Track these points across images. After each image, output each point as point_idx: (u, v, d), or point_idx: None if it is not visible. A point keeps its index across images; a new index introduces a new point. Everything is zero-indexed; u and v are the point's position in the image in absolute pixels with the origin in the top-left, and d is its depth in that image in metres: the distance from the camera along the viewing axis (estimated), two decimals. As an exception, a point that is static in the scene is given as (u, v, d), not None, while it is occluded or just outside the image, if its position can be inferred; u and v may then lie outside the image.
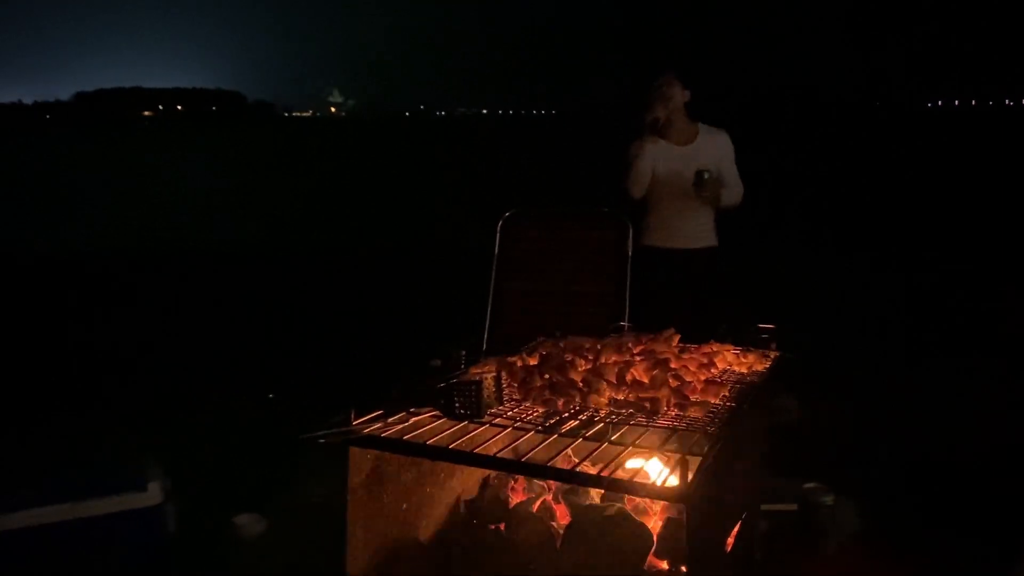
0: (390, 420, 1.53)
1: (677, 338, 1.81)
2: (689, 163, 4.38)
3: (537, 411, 1.44)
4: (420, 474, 1.64)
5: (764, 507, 2.38)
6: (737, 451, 1.37)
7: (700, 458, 1.23)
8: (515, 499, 1.75)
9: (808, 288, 7.77)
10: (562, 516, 1.71)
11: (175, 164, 32.12)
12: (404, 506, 1.61)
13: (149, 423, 4.18)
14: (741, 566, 1.77)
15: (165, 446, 3.23)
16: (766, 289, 7.46)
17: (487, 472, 1.65)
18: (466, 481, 1.79)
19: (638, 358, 1.71)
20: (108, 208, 16.71)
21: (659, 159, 4.44)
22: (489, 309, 4.76)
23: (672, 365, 1.60)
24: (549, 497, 1.66)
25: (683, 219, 4.49)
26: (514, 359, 1.73)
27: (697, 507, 1.13)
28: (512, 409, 1.51)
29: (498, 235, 4.92)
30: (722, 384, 1.57)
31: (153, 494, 2.94)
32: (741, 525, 1.68)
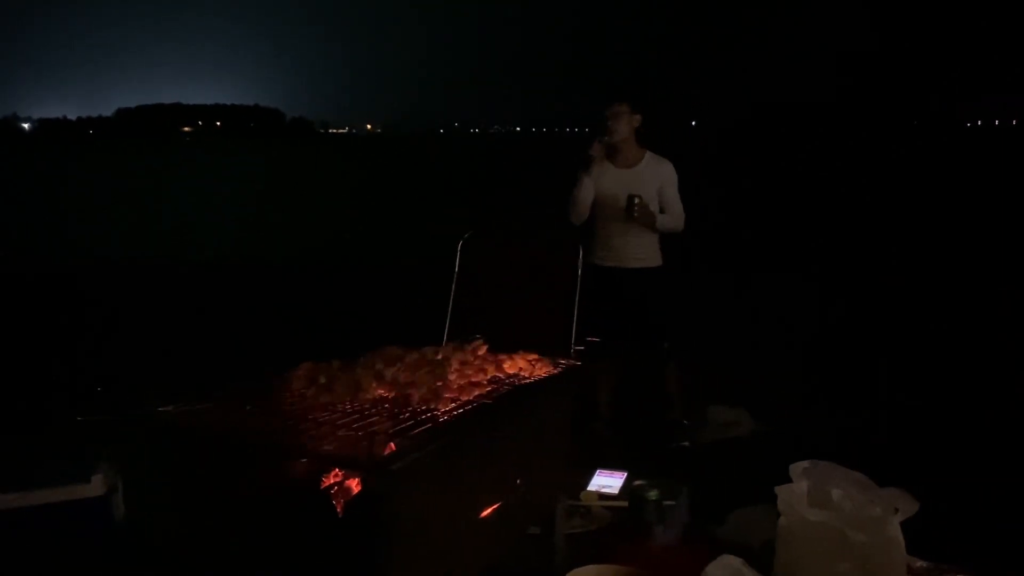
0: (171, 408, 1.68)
1: (484, 348, 2.08)
2: (629, 187, 4.63)
3: (308, 402, 1.68)
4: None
5: (602, 503, 2.68)
6: (469, 441, 1.58)
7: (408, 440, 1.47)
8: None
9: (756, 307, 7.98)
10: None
11: (210, 177, 32.88)
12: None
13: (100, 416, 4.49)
14: (544, 549, 2.06)
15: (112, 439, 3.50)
16: (716, 307, 7.73)
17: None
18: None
19: (454, 365, 1.98)
20: (142, 219, 17.32)
21: (602, 181, 4.70)
22: (447, 325, 5.08)
23: (454, 367, 1.86)
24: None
25: (624, 239, 4.72)
26: (336, 362, 1.98)
27: (388, 480, 1.36)
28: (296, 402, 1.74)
29: (458, 255, 5.24)
30: (481, 385, 1.83)
31: (96, 486, 3.13)
32: (531, 510, 1.94)
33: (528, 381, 1.89)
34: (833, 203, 17.44)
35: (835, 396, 5.21)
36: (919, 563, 1.67)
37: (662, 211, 4.67)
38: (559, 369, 2.00)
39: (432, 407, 1.64)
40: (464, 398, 1.71)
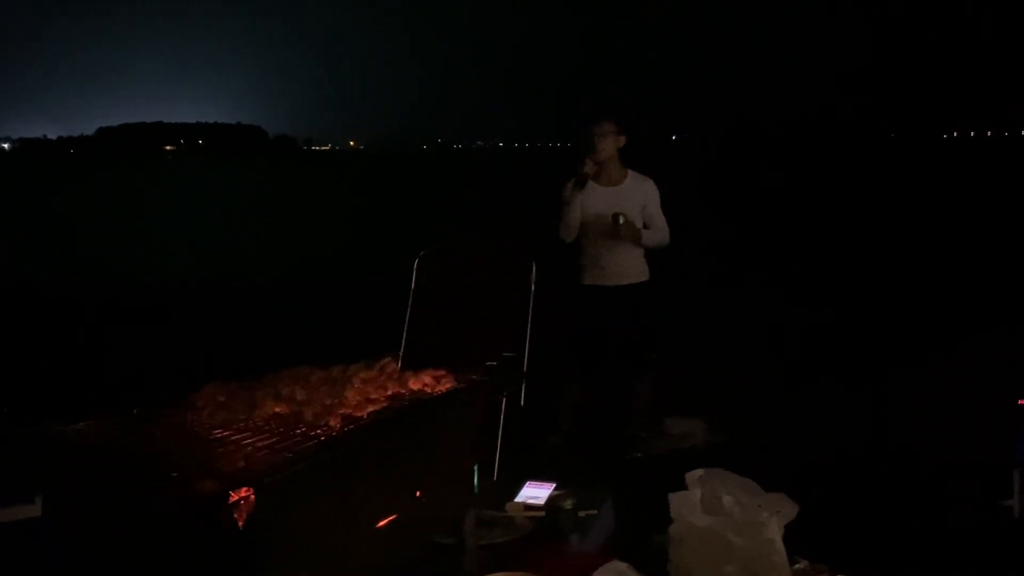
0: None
1: (394, 365, 2.16)
2: (613, 205, 4.74)
3: (210, 421, 1.76)
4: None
5: (526, 513, 2.75)
6: (356, 455, 1.66)
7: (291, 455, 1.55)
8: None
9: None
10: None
11: (192, 196, 32.84)
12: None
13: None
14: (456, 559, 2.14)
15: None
16: (704, 321, 7.85)
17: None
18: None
19: (356, 382, 2.06)
20: (122, 237, 17.31)
21: (587, 200, 4.80)
22: (404, 339, 5.16)
23: (355, 385, 1.94)
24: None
25: (611, 256, 4.82)
26: (241, 381, 2.05)
27: (265, 492, 1.44)
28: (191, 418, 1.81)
29: (415, 272, 5.33)
30: (377, 401, 1.90)
31: (39, 506, 3.20)
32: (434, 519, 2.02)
33: (428, 397, 1.97)
34: (812, 217, 17.64)
35: (797, 408, 5.32)
36: (800, 563, 1.75)
37: (646, 227, 4.79)
38: (463, 385, 2.08)
39: (324, 424, 1.71)
40: (358, 414, 1.78)
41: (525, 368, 4.81)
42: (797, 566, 1.75)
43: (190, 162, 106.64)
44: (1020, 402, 3.51)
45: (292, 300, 9.78)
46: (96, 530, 1.61)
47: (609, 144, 4.63)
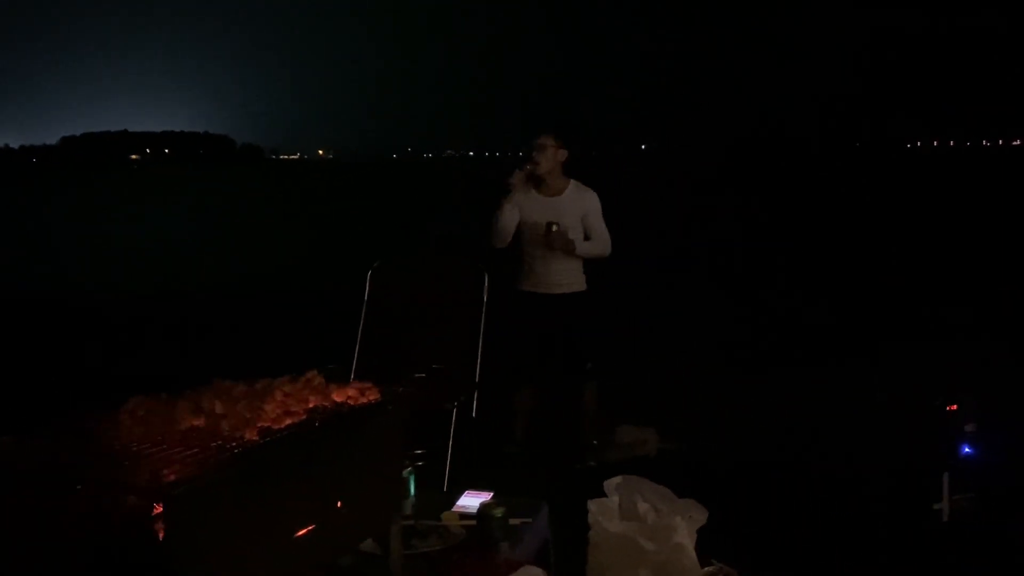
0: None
1: (319, 379, 2.20)
2: (551, 214, 4.80)
3: (124, 436, 1.78)
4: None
5: (461, 522, 2.81)
6: (270, 466, 1.70)
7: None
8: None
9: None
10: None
11: (156, 206, 32.58)
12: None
13: None
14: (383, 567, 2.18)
15: None
16: (639, 330, 7.96)
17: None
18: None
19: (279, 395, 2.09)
20: (83, 247, 17.16)
21: (526, 208, 4.86)
22: (356, 350, 5.18)
23: (277, 398, 1.98)
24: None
25: (546, 265, 4.88)
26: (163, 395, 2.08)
27: (173, 505, 1.48)
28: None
29: (367, 283, 5.36)
30: (296, 414, 1.95)
31: None
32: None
33: (347, 409, 2.01)
34: (763, 222, 17.93)
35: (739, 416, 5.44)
36: (712, 566, 1.82)
37: (587, 238, 4.84)
38: (386, 397, 2.12)
39: (241, 436, 1.75)
40: (276, 427, 1.82)
41: (477, 379, 4.87)
42: (708, 568, 1.81)
43: (156, 171, 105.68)
44: (948, 408, 3.63)
45: (250, 311, 9.77)
46: (15, 550, 1.63)
47: (548, 157, 4.70)
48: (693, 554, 1.88)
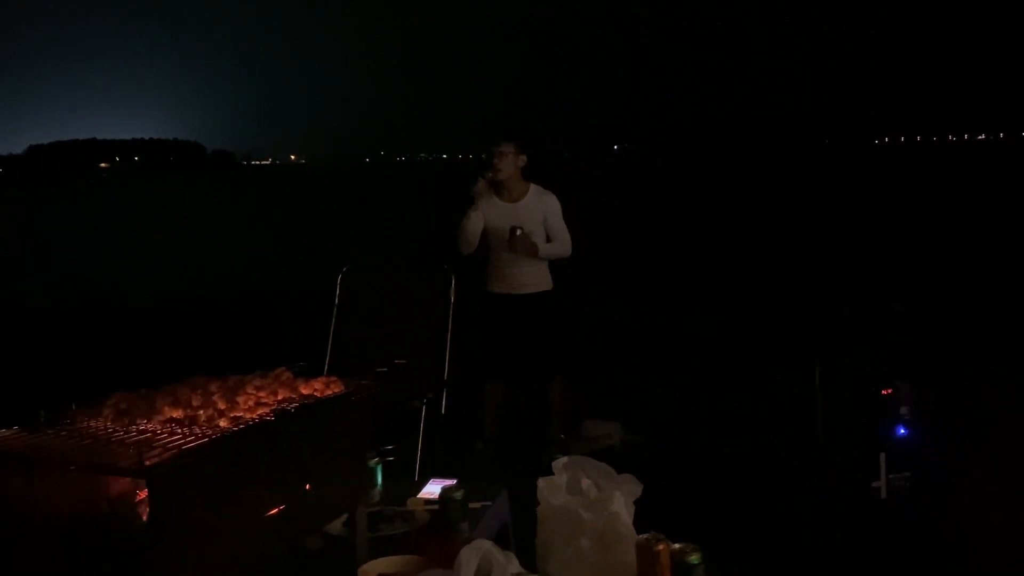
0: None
1: (288, 374, 2.39)
2: (513, 218, 5.00)
3: (109, 427, 1.96)
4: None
5: (425, 507, 3.01)
6: (242, 450, 1.89)
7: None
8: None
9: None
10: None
11: (124, 213, 32.44)
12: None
13: None
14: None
15: None
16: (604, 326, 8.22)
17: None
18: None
19: (253, 389, 2.28)
20: (53, 257, 17.13)
21: (489, 214, 5.06)
22: (328, 353, 5.36)
23: (249, 390, 2.17)
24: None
25: (513, 267, 5.09)
26: (143, 390, 2.25)
27: (155, 482, 1.67)
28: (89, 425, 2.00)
29: (338, 287, 5.53)
30: (268, 404, 2.14)
31: None
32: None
33: (314, 400, 2.20)
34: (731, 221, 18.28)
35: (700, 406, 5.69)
36: (644, 535, 2.02)
37: (549, 239, 5.06)
38: (350, 388, 2.32)
39: (216, 425, 1.93)
40: (248, 416, 2.01)
41: (445, 376, 5.06)
42: (642, 536, 2.02)
43: (126, 179, 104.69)
44: (883, 392, 3.88)
45: (223, 314, 9.91)
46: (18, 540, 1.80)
47: (508, 163, 4.90)
48: (628, 521, 2.09)
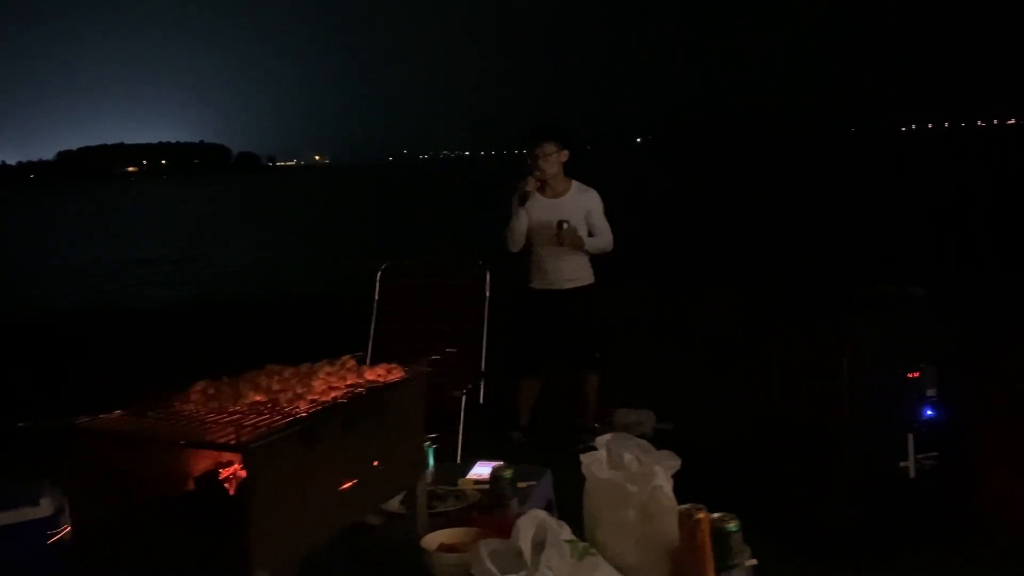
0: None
1: (352, 361, 2.59)
2: (557, 214, 5.17)
3: (201, 411, 2.18)
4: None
5: (476, 487, 3.22)
6: (322, 429, 2.11)
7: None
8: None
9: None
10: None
11: (156, 216, 32.98)
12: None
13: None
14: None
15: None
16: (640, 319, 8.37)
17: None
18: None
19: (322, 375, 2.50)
20: (83, 261, 17.55)
21: (533, 211, 5.23)
22: (370, 346, 5.57)
23: (321, 376, 2.38)
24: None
25: (555, 262, 5.26)
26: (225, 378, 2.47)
27: (251, 456, 1.88)
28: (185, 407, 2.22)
29: (377, 284, 5.74)
30: (339, 388, 2.35)
31: (45, 507, 3.49)
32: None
33: (379, 384, 2.41)
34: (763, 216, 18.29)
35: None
36: (684, 505, 2.20)
37: (591, 235, 5.22)
38: (409, 374, 2.52)
39: (296, 407, 2.15)
40: (323, 399, 2.22)
41: (483, 368, 5.25)
42: (683, 506, 2.20)
43: (154, 182, 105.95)
44: (909, 375, 4.01)
45: (268, 312, 10.19)
46: (125, 519, 2.02)
47: (552, 162, 5.07)
48: (671, 493, 2.27)
